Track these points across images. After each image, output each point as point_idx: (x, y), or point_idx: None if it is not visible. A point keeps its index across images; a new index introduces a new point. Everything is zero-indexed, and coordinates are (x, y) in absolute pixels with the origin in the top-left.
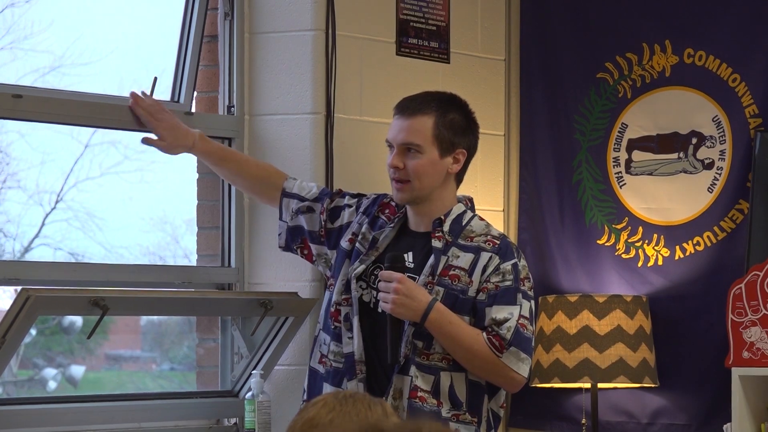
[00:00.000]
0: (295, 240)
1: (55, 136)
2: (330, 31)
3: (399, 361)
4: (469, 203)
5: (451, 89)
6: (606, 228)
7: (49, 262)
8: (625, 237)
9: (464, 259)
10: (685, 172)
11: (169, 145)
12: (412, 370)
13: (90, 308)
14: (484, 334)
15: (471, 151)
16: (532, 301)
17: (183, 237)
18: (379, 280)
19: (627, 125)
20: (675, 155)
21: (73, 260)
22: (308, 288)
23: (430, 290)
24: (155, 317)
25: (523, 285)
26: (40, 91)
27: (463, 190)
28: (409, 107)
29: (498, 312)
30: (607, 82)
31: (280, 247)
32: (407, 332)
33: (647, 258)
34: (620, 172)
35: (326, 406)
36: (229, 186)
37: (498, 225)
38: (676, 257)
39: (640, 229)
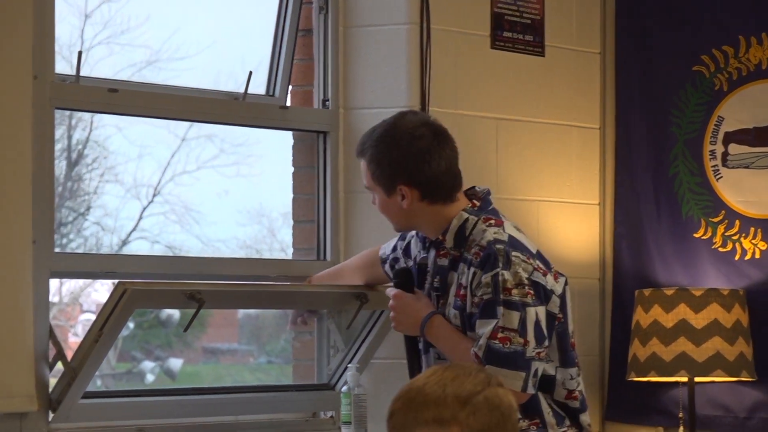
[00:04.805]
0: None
1: (152, 130)
2: (425, 25)
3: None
4: (477, 204)
5: (546, 83)
6: (703, 221)
7: (146, 255)
8: (722, 230)
9: (467, 275)
10: None
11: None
12: None
13: (186, 302)
14: (473, 349)
15: (417, 180)
16: (529, 308)
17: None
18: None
19: (723, 118)
20: None
21: (170, 253)
22: None
23: (442, 310)
24: (252, 310)
25: (509, 295)
26: (137, 86)
27: (558, 184)
28: (356, 149)
29: (480, 327)
30: (704, 75)
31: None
32: (432, 352)
33: (744, 251)
34: (717, 165)
35: (429, 370)
36: (325, 180)
37: (594, 219)
38: None
39: (737, 222)
